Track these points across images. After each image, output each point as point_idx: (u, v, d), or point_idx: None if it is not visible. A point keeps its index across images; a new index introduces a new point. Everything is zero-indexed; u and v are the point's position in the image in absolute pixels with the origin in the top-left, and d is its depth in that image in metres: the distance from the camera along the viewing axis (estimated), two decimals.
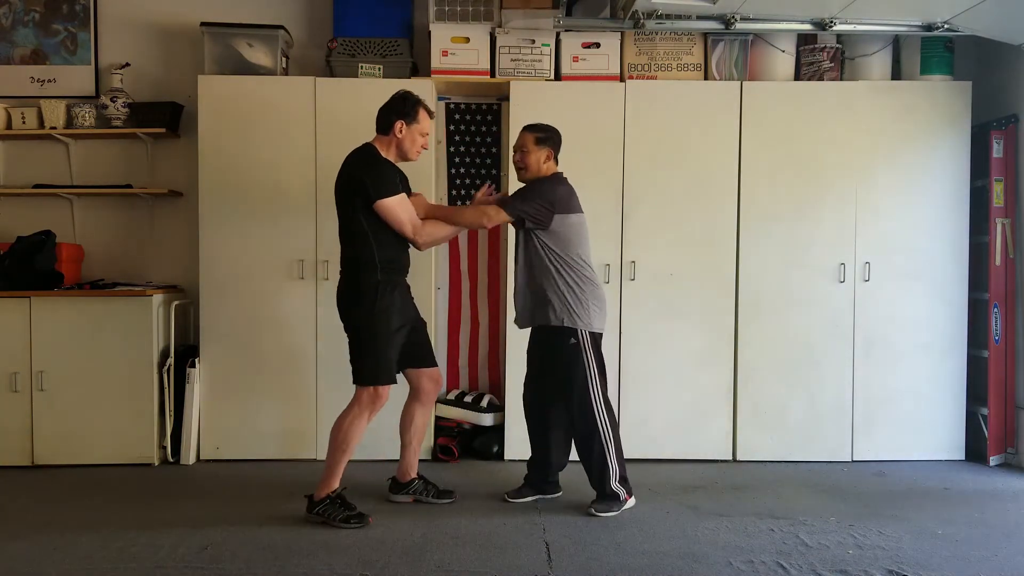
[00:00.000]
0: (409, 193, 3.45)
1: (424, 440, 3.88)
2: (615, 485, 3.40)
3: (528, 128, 3.55)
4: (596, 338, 3.45)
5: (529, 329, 3.56)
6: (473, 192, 4.53)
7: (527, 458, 3.68)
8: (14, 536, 3.13)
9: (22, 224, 4.47)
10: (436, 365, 3.57)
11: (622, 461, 3.44)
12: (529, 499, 3.58)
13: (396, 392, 3.40)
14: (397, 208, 3.26)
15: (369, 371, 3.28)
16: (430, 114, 3.45)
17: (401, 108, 3.35)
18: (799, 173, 4.28)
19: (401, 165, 3.41)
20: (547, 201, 3.38)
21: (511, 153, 3.59)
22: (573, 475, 3.67)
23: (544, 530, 3.20)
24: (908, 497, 3.69)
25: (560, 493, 3.63)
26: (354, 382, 3.31)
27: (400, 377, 3.42)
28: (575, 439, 3.48)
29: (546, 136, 3.52)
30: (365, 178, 3.23)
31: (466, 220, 3.51)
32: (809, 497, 3.69)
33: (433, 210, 3.49)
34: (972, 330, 4.35)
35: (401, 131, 3.34)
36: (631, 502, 3.44)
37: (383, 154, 3.34)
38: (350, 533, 3.14)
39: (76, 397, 4.12)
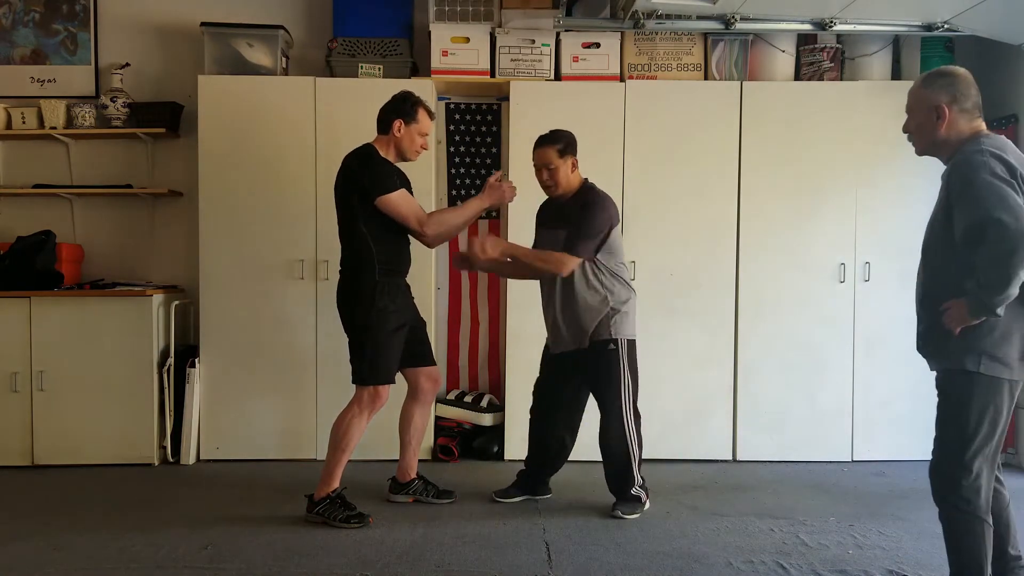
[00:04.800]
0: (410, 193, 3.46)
1: (424, 440, 3.89)
2: (637, 489, 3.39)
3: (544, 141, 3.36)
4: (632, 345, 3.41)
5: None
6: (480, 180, 4.54)
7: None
8: (14, 536, 3.13)
9: (22, 224, 4.47)
10: (435, 364, 3.57)
11: (641, 466, 3.42)
12: (517, 499, 3.57)
13: (396, 392, 3.40)
14: (400, 203, 3.25)
15: (368, 371, 3.28)
16: (431, 115, 3.44)
17: (400, 107, 3.34)
18: (799, 173, 4.28)
19: (400, 165, 3.41)
20: (606, 227, 3.31)
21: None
22: (572, 475, 3.68)
23: (544, 530, 3.20)
24: (908, 497, 3.69)
25: (551, 495, 3.62)
26: (353, 381, 3.31)
27: (399, 377, 3.42)
28: (601, 443, 3.38)
29: (565, 144, 3.34)
30: (363, 177, 3.23)
31: (544, 268, 3.31)
32: (809, 497, 3.69)
33: (509, 248, 3.41)
34: None
35: (400, 130, 3.33)
36: (648, 503, 3.44)
37: (382, 154, 3.33)
38: (350, 533, 3.14)
39: (76, 397, 4.12)
